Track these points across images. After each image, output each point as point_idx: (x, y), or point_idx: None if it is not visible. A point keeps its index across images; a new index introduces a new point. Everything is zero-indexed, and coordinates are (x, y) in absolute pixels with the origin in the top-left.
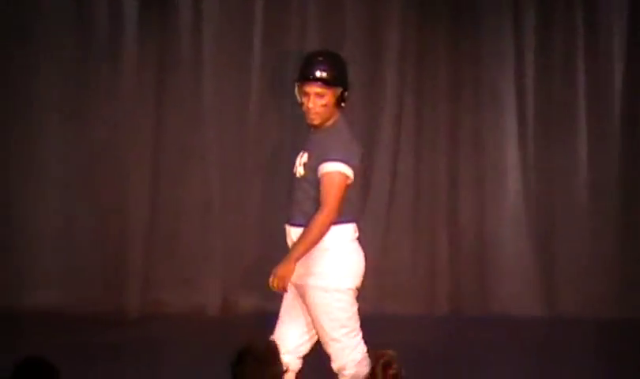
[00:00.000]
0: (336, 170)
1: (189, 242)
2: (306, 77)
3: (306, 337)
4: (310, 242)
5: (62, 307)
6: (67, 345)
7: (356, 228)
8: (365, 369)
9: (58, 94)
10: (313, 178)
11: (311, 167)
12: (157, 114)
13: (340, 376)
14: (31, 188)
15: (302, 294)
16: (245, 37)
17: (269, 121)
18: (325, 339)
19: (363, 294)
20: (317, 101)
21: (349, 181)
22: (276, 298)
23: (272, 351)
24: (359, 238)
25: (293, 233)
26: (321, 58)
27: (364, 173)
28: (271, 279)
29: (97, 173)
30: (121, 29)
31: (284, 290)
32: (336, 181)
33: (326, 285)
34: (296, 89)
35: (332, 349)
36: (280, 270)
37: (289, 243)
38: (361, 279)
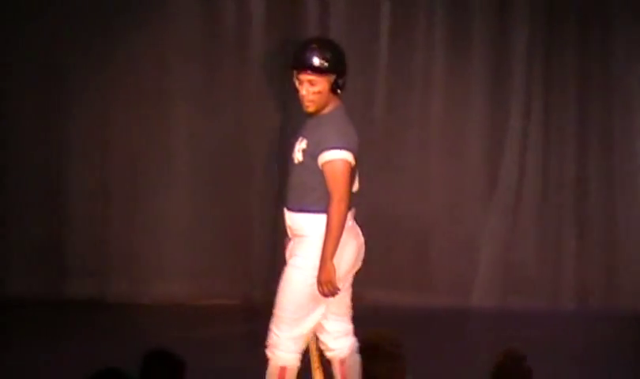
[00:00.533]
0: (339, 158)
1: None
2: (299, 65)
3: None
4: (335, 237)
5: (189, 298)
6: (194, 337)
7: (350, 216)
8: (278, 360)
9: (186, 88)
10: (310, 165)
11: (309, 154)
12: (283, 108)
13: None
14: (160, 180)
15: None
16: (371, 32)
17: (395, 118)
18: (273, 310)
19: (488, 289)
20: (310, 88)
21: (352, 167)
22: (406, 290)
23: (398, 346)
24: (360, 227)
25: (288, 217)
26: (314, 46)
27: (357, 162)
28: (320, 290)
29: (223, 166)
30: (248, 22)
31: (336, 291)
32: (340, 168)
33: (304, 265)
34: (294, 76)
35: (272, 323)
36: (322, 276)
37: (291, 231)
38: (347, 268)
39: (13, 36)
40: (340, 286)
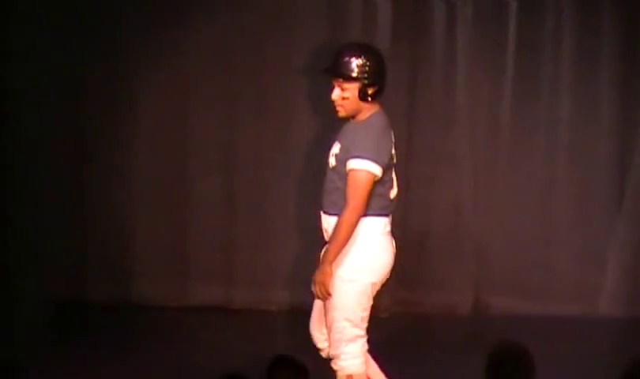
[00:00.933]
0: (363, 168)
1: (439, 243)
2: (329, 70)
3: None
4: (340, 242)
5: (309, 305)
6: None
7: (388, 223)
8: (358, 368)
9: (309, 93)
10: (342, 170)
11: (340, 159)
12: (409, 113)
13: (332, 363)
14: (282, 186)
15: None
16: (499, 35)
17: (520, 123)
18: (328, 325)
19: (615, 298)
20: (339, 93)
21: (376, 179)
22: (529, 297)
23: (528, 357)
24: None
25: (324, 220)
26: (346, 52)
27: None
28: (312, 288)
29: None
30: (374, 28)
31: (328, 294)
32: (362, 179)
33: (343, 274)
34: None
35: (332, 336)
36: (318, 276)
37: (323, 229)
38: (383, 275)
39: (139, 45)
40: (373, 291)
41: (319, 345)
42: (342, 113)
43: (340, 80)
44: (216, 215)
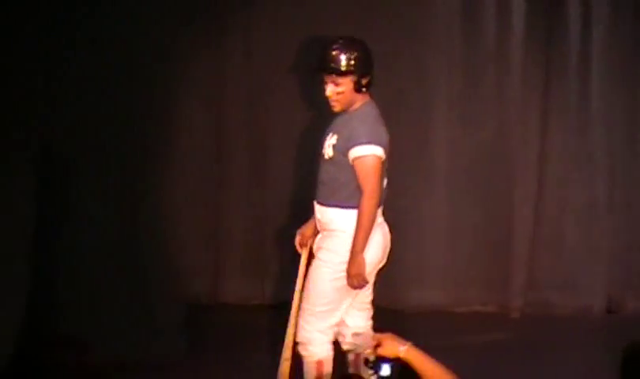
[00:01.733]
0: (369, 153)
1: (574, 243)
2: (322, 67)
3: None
4: (366, 231)
5: (444, 306)
6: (448, 344)
7: (380, 213)
8: (313, 356)
9: (447, 95)
10: (341, 160)
11: (340, 150)
12: (543, 114)
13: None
14: (419, 187)
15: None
16: (634, 39)
17: None
18: (303, 305)
19: None
20: (334, 89)
21: (382, 161)
22: None
23: None
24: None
25: (318, 210)
26: (335, 47)
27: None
28: (349, 283)
29: (483, 173)
30: (508, 32)
31: (365, 283)
32: (371, 163)
33: (332, 259)
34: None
35: (301, 318)
36: (353, 269)
37: (320, 224)
38: (374, 265)
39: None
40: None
41: (348, 339)
42: (338, 107)
43: (334, 75)
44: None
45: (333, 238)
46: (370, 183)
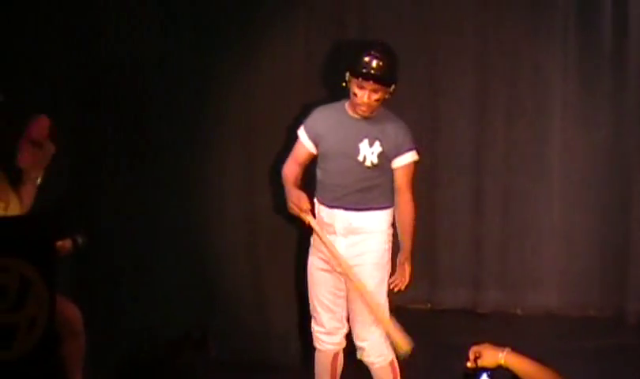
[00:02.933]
0: (413, 160)
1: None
2: (365, 75)
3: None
4: (413, 234)
5: (559, 310)
6: (563, 349)
7: None
8: (388, 357)
9: (562, 95)
10: (385, 166)
11: (387, 157)
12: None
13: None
14: (533, 190)
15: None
16: None
17: None
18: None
19: None
20: (373, 96)
21: None
22: None
23: None
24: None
25: (344, 216)
26: (378, 55)
27: None
28: (401, 284)
29: (599, 175)
30: (625, 33)
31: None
32: (412, 171)
33: (380, 259)
34: (348, 78)
35: (375, 326)
36: (408, 272)
37: (340, 226)
38: None
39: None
40: None
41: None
42: (368, 113)
43: (377, 84)
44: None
45: (371, 239)
46: (410, 188)
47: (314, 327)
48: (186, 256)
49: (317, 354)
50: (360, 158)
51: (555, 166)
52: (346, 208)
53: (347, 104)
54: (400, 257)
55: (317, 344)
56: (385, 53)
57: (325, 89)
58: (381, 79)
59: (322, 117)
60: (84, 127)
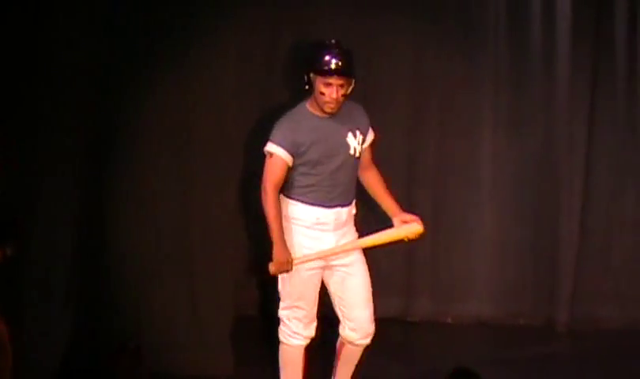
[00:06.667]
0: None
1: (620, 255)
2: (332, 71)
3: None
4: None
5: (490, 319)
6: (494, 357)
7: None
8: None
9: (493, 104)
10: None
11: (363, 140)
12: (590, 124)
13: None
14: (465, 198)
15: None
16: None
17: None
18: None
19: None
20: (340, 91)
21: None
22: None
23: None
24: None
25: (341, 213)
26: (339, 50)
27: None
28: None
29: (529, 184)
30: (554, 38)
31: None
32: None
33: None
34: (312, 78)
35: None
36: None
37: (336, 222)
38: None
39: None
40: None
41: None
42: (336, 109)
43: (344, 78)
44: None
45: (351, 224)
46: None
47: (291, 325)
48: (120, 265)
49: (288, 352)
50: (352, 151)
51: (486, 176)
52: (344, 204)
53: (308, 107)
54: (398, 215)
55: (291, 341)
56: (342, 48)
57: (258, 88)
58: (347, 72)
59: (295, 127)
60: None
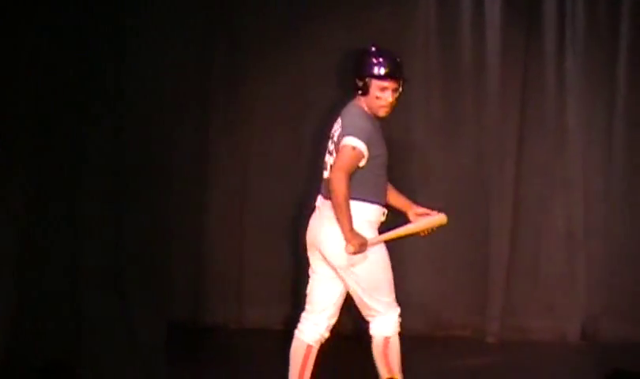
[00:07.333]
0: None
1: (550, 269)
2: (395, 76)
3: None
4: None
5: (422, 330)
6: (425, 369)
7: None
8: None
9: (425, 120)
10: None
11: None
12: (519, 137)
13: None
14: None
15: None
16: (609, 58)
17: (634, 145)
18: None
19: None
20: (393, 95)
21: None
22: None
23: None
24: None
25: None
26: (390, 54)
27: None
28: None
29: (460, 198)
30: (483, 51)
31: None
32: None
33: None
34: (367, 83)
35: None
36: None
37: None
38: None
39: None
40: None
41: None
42: (389, 113)
43: (399, 82)
44: None
45: None
46: None
47: (322, 322)
48: (56, 278)
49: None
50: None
51: (418, 188)
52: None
53: (366, 109)
54: (412, 209)
55: (315, 338)
56: (390, 51)
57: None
58: (401, 75)
59: (371, 127)
60: None
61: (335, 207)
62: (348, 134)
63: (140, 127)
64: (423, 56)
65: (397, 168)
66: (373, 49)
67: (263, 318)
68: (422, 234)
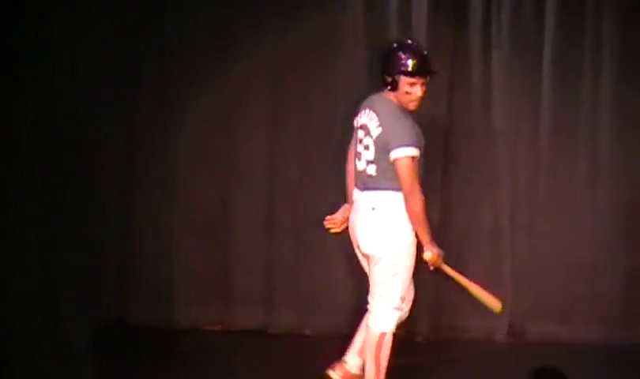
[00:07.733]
0: None
1: (478, 267)
2: (417, 71)
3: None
4: None
5: (350, 330)
6: None
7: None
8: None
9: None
10: None
11: None
12: (446, 136)
13: None
14: (323, 210)
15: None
16: (535, 58)
17: (560, 145)
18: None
19: None
20: (422, 89)
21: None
22: (567, 323)
23: None
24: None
25: None
26: (419, 50)
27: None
28: None
29: None
30: None
31: None
32: None
33: None
34: (396, 78)
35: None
36: None
37: None
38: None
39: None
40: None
41: None
42: (418, 107)
43: (428, 77)
44: (257, 238)
45: None
46: None
47: (397, 312)
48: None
49: (389, 340)
50: None
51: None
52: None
53: (399, 105)
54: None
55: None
56: (418, 47)
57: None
58: (429, 71)
59: (409, 120)
60: None
61: (415, 223)
62: (400, 146)
63: (67, 126)
64: (351, 58)
65: (323, 169)
66: (402, 45)
67: (193, 318)
68: (473, 294)
